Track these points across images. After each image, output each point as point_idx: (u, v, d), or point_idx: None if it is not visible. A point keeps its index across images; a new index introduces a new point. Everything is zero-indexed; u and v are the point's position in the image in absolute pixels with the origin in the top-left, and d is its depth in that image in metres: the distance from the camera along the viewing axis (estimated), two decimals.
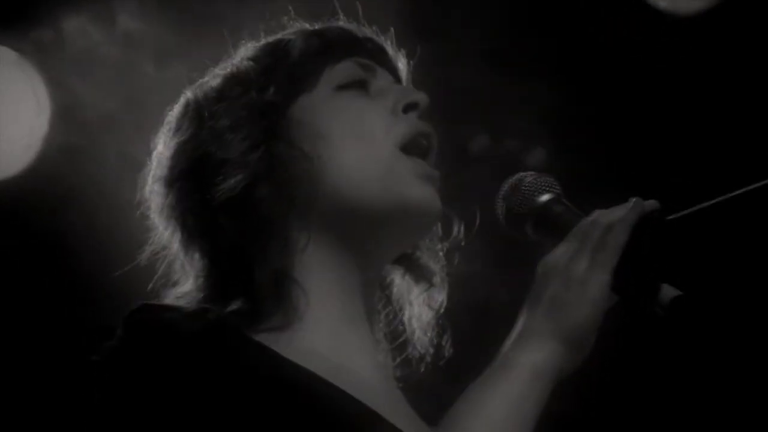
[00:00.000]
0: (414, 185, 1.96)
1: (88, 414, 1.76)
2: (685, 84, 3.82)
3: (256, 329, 1.86)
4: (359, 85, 2.04)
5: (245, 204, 1.91)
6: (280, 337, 1.86)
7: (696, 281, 1.87)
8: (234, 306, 1.87)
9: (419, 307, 2.10)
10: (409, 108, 2.02)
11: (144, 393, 1.75)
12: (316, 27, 2.09)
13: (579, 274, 1.79)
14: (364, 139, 1.97)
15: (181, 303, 1.91)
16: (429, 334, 2.10)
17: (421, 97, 2.04)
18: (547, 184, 1.92)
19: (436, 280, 2.11)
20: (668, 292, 1.79)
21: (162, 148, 2.02)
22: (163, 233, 2.00)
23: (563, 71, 3.88)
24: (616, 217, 1.82)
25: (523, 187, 1.92)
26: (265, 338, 1.85)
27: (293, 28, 2.09)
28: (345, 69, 2.04)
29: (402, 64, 2.14)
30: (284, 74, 2.01)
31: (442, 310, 2.11)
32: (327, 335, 1.91)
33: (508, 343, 1.82)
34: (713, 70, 3.79)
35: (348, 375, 1.85)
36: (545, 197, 1.91)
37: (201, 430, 1.71)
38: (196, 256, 1.96)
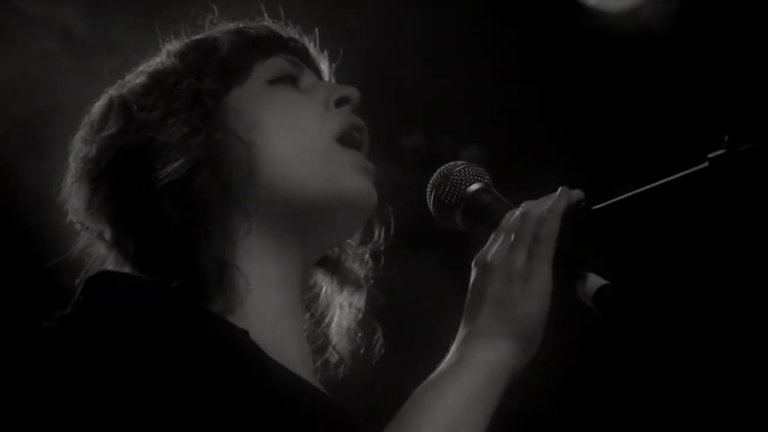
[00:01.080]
0: (353, 177, 1.98)
1: (45, 379, 1.72)
2: (615, 78, 3.86)
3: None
4: (290, 80, 2.05)
5: (186, 190, 1.91)
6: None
7: (621, 270, 1.89)
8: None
9: (342, 310, 2.12)
10: (341, 102, 2.04)
11: (106, 356, 1.71)
12: (242, 25, 2.10)
13: (519, 269, 1.79)
14: (299, 130, 1.99)
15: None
16: (351, 339, 2.12)
17: (353, 92, 2.06)
18: (476, 174, 1.93)
19: (363, 283, 2.13)
20: (594, 281, 1.80)
21: (83, 146, 2.00)
22: (92, 229, 1.99)
23: (498, 68, 3.91)
24: (546, 208, 1.83)
25: (453, 177, 1.93)
26: None
27: (217, 27, 2.10)
28: (275, 64, 2.06)
29: (324, 66, 2.16)
30: (215, 67, 2.01)
31: (361, 315, 2.12)
32: (265, 323, 1.91)
33: (458, 344, 1.80)
34: (642, 64, 3.83)
35: (284, 360, 1.85)
36: (475, 187, 1.92)
37: (161, 395, 1.68)
38: (131, 245, 1.95)
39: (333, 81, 2.15)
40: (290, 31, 2.13)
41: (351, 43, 2.21)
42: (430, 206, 1.95)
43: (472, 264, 1.86)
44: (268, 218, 1.96)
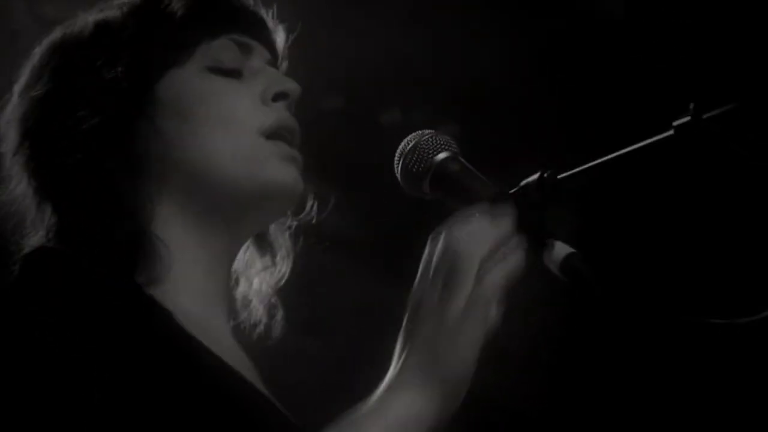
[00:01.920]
0: (277, 168, 1.97)
1: None
2: (585, 49, 3.87)
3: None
4: (231, 70, 2.02)
5: (110, 174, 1.90)
6: (152, 292, 1.86)
7: (588, 239, 1.90)
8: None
9: (259, 279, 2.12)
10: (279, 97, 2.02)
11: (41, 330, 1.70)
12: None
13: (453, 319, 1.67)
14: (227, 123, 1.96)
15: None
16: (265, 306, 2.12)
17: (292, 87, 2.03)
18: (444, 143, 1.93)
19: (281, 256, 2.13)
20: (561, 249, 1.81)
21: (22, 89, 1.99)
22: (17, 178, 1.98)
23: (478, 44, 3.91)
24: (495, 245, 1.72)
25: (420, 145, 1.93)
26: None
27: None
28: (221, 48, 2.02)
29: (280, 39, 2.13)
30: (160, 42, 1.98)
31: (280, 285, 2.13)
32: (191, 294, 1.91)
33: (382, 389, 1.71)
34: (610, 33, 3.84)
35: (210, 334, 1.86)
36: (442, 155, 1.92)
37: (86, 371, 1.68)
38: (48, 210, 1.94)
39: (286, 57, 2.13)
40: (248, 2, 2.09)
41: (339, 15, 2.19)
42: (398, 174, 1.95)
43: (409, 296, 1.75)
44: (191, 206, 1.95)
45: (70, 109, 1.92)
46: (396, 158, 1.95)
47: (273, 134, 1.99)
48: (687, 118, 1.73)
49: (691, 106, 1.74)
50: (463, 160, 1.93)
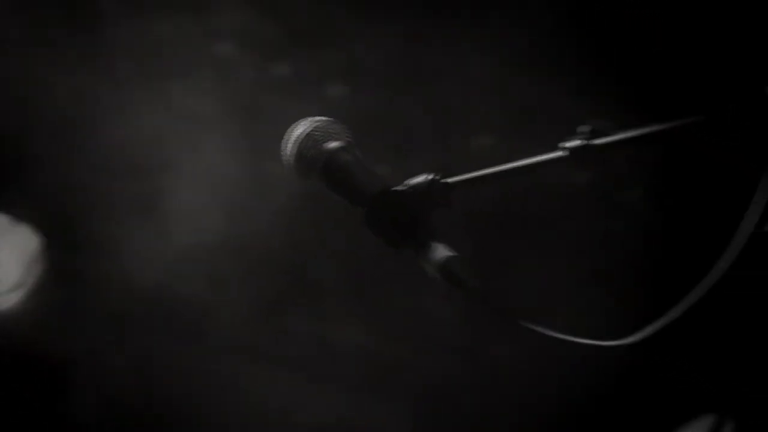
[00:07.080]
0: None
1: None
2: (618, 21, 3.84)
3: None
4: None
5: None
6: None
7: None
8: None
9: None
10: None
11: None
12: None
13: None
14: None
15: None
16: None
17: None
18: (338, 132, 1.93)
19: None
20: (441, 252, 1.81)
21: None
22: None
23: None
24: None
25: (315, 132, 1.92)
26: None
27: None
28: None
29: None
30: None
31: None
32: None
33: None
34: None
35: None
36: (335, 144, 1.92)
37: None
38: None
39: None
40: None
41: None
42: (289, 158, 1.93)
43: None
44: None
45: None
46: (288, 142, 1.93)
47: None
48: (579, 142, 1.77)
49: (586, 129, 1.77)
50: (357, 152, 1.92)
